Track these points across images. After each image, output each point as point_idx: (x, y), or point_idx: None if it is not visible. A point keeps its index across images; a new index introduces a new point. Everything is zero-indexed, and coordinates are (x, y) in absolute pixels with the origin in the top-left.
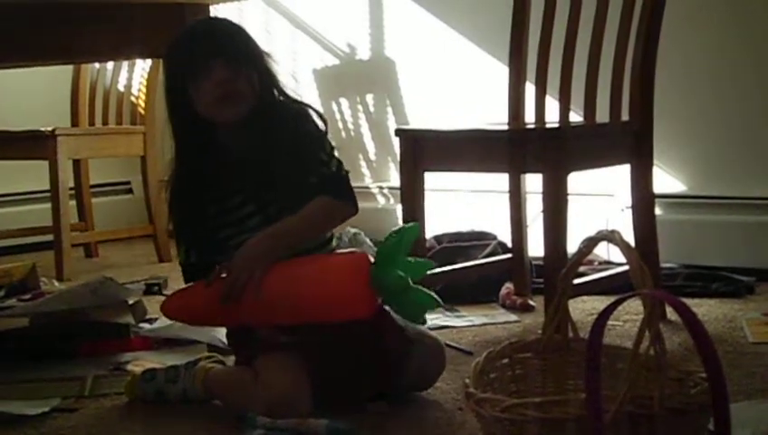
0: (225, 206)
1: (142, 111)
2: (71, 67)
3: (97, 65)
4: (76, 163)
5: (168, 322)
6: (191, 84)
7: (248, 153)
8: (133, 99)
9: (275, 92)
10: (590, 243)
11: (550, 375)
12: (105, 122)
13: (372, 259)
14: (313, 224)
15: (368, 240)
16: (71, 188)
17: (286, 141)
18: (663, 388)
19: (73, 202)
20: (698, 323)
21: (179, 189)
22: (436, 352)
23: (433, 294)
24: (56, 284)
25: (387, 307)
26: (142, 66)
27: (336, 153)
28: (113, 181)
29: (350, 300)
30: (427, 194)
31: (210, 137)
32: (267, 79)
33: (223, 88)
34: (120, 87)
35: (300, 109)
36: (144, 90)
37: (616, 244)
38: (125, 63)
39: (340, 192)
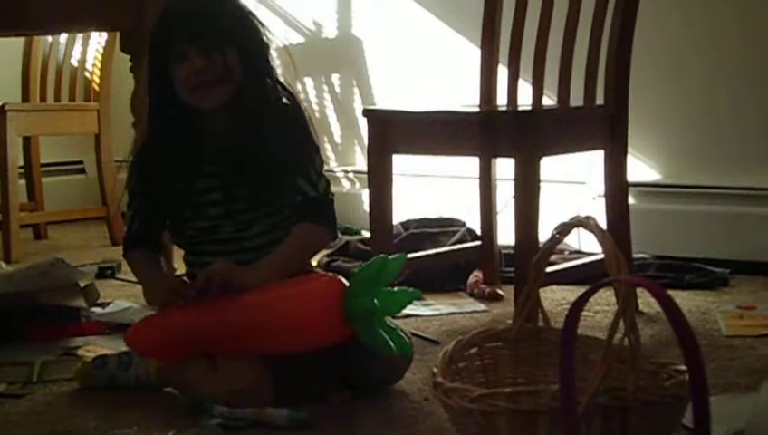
0: (193, 186)
1: (97, 88)
2: (22, 40)
3: (49, 38)
4: (26, 140)
5: (123, 305)
6: (170, 67)
7: (229, 141)
8: (87, 74)
9: (263, 75)
10: (564, 229)
11: (520, 365)
12: (57, 98)
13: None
14: (293, 260)
15: None
16: (20, 167)
17: (276, 147)
18: (637, 380)
19: (23, 181)
20: (679, 311)
21: (145, 157)
22: None
23: (406, 338)
24: (3, 265)
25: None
26: (97, 40)
27: (324, 170)
28: (65, 160)
29: (322, 329)
30: (394, 178)
31: (190, 115)
32: (253, 61)
33: (197, 78)
34: (74, 62)
35: (295, 113)
36: (99, 65)
37: (591, 230)
38: (79, 37)
39: (321, 217)
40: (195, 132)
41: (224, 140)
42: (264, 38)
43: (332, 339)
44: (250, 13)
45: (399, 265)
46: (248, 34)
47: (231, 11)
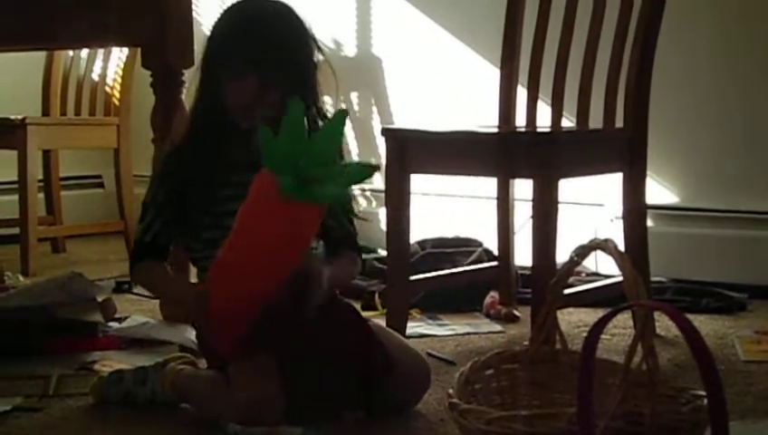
0: (217, 194)
1: (117, 102)
2: (43, 54)
3: (71, 53)
4: (46, 154)
5: (140, 320)
6: (223, 78)
7: (260, 155)
8: (108, 89)
9: (307, 105)
10: (583, 251)
11: (537, 388)
12: (78, 113)
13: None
14: (346, 279)
15: None
16: (39, 180)
17: None
18: (655, 404)
19: (42, 195)
20: (699, 337)
21: (181, 152)
22: (419, 370)
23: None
24: (21, 278)
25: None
26: (118, 55)
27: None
28: (84, 174)
29: (268, 218)
30: (411, 197)
31: (230, 121)
32: (302, 94)
33: (248, 99)
34: (95, 76)
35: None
36: (119, 80)
37: (610, 253)
38: (100, 52)
39: (355, 247)
40: (231, 137)
41: (256, 152)
42: (316, 62)
43: (286, 223)
44: (313, 39)
45: (342, 121)
46: (305, 69)
47: (296, 44)
